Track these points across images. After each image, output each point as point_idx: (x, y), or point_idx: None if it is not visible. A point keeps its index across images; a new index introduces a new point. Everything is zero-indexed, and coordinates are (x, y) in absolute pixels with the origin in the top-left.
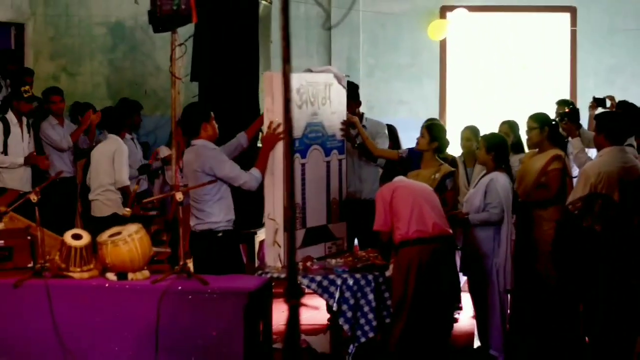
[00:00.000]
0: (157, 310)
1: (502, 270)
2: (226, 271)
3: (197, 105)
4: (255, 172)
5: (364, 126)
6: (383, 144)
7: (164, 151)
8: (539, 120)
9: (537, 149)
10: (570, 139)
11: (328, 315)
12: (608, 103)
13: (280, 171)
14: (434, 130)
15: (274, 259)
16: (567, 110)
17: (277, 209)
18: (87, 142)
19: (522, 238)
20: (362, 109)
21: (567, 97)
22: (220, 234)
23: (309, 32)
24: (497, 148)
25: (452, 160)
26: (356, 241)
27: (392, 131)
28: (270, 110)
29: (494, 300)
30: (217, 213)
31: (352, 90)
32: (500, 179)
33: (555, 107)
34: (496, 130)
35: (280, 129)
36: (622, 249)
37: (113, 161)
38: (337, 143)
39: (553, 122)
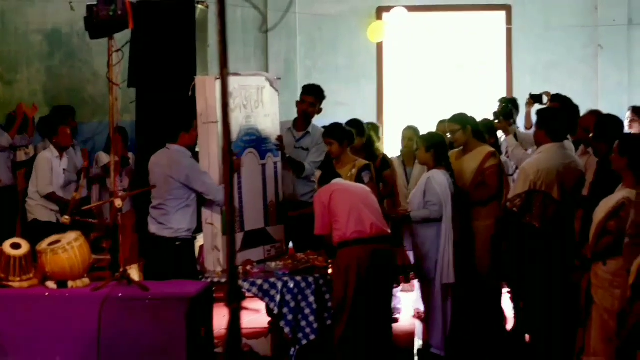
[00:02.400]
0: (98, 317)
1: (446, 266)
2: (180, 278)
3: (183, 113)
4: (221, 191)
5: (308, 132)
6: (316, 156)
7: (102, 158)
8: (460, 121)
9: (457, 150)
10: (504, 137)
11: (269, 319)
12: (545, 99)
13: (216, 175)
14: (337, 134)
15: (213, 263)
16: (499, 108)
17: (215, 214)
18: (26, 139)
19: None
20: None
21: (504, 94)
22: (178, 243)
23: (246, 35)
24: (435, 146)
25: (382, 158)
26: (291, 244)
27: (360, 125)
28: (204, 114)
29: (436, 298)
30: (181, 220)
31: (359, 126)
32: (437, 176)
33: (497, 104)
34: (434, 130)
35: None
36: (560, 246)
37: (37, 171)
38: (272, 146)
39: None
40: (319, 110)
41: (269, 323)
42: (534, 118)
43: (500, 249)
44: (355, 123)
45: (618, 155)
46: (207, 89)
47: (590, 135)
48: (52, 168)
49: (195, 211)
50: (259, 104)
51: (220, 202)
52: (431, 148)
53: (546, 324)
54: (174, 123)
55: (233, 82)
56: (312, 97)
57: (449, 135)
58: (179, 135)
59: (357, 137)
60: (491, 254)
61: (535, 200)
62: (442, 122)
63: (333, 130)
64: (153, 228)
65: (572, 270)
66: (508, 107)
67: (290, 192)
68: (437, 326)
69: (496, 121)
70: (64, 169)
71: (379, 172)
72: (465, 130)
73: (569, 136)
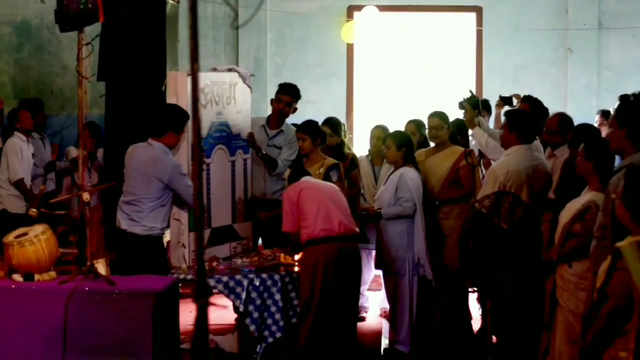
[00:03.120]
0: (64, 311)
1: (416, 261)
2: (152, 273)
3: (173, 110)
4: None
5: (281, 130)
6: (289, 154)
7: (72, 152)
8: (445, 119)
9: (426, 149)
10: (470, 131)
11: (236, 315)
12: (515, 101)
13: (185, 171)
14: (311, 131)
15: (179, 259)
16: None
17: (182, 210)
18: None
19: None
20: (268, 109)
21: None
22: (153, 237)
23: (217, 31)
24: (406, 145)
25: (351, 158)
26: (260, 240)
27: (337, 124)
28: None
29: (404, 296)
30: (155, 219)
31: (335, 125)
32: (409, 173)
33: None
34: (402, 129)
35: None
36: (528, 248)
37: (7, 157)
38: (242, 142)
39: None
40: (294, 110)
41: (236, 320)
42: (503, 119)
43: (468, 249)
44: (332, 122)
45: (583, 159)
46: (178, 84)
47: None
48: (21, 153)
49: (169, 210)
50: (231, 100)
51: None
52: (402, 147)
53: (512, 325)
54: (158, 118)
55: (205, 77)
56: (289, 96)
57: (426, 132)
58: (164, 132)
59: (332, 135)
60: (459, 253)
61: (504, 202)
62: (410, 122)
63: (307, 127)
64: (124, 224)
65: (539, 272)
66: (475, 97)
67: (260, 190)
68: (404, 322)
69: (462, 110)
70: (32, 154)
71: (347, 172)
72: (448, 130)
73: (537, 137)
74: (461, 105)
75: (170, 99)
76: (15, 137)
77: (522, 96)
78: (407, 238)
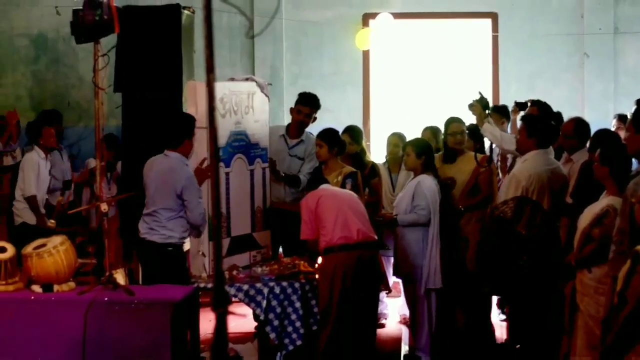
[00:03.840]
0: (84, 321)
1: (432, 271)
2: (174, 282)
3: (185, 118)
4: (202, 207)
5: (302, 140)
6: (310, 167)
7: (91, 163)
8: (465, 125)
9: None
10: (481, 128)
11: (255, 323)
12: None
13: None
14: (330, 138)
15: (199, 268)
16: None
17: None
18: (11, 145)
19: (448, 239)
20: (286, 118)
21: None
22: (170, 248)
23: (232, 41)
24: (426, 152)
25: (371, 166)
26: (281, 249)
27: (357, 132)
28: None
29: (422, 302)
30: (173, 228)
31: (356, 133)
32: (427, 181)
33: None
34: (419, 136)
35: (207, 163)
36: (545, 253)
37: (23, 172)
38: (261, 151)
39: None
40: (314, 119)
41: (256, 328)
42: (519, 125)
43: (485, 254)
44: (352, 130)
45: (599, 165)
46: (197, 93)
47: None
48: (38, 170)
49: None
50: (249, 110)
51: (196, 223)
52: (422, 154)
53: (532, 330)
54: (173, 129)
55: (224, 87)
56: (309, 107)
57: (450, 134)
58: (182, 142)
59: (352, 143)
60: (476, 258)
61: (525, 208)
62: (426, 129)
63: (325, 134)
64: (143, 232)
65: (558, 277)
66: (484, 98)
67: (280, 196)
68: (422, 329)
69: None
70: (49, 170)
71: (367, 180)
72: (468, 136)
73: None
74: (471, 106)
75: (190, 109)
76: (34, 153)
77: (531, 100)
78: (423, 245)
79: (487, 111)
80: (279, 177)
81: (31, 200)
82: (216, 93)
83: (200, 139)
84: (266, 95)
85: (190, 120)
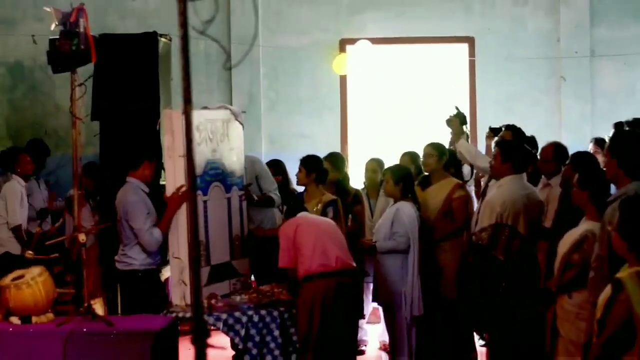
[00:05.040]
0: (62, 352)
1: (410, 298)
2: (149, 310)
3: (148, 141)
4: (156, 232)
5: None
6: (269, 184)
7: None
8: (438, 149)
9: (418, 185)
10: (457, 143)
11: (233, 352)
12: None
13: (183, 210)
14: (308, 163)
15: (180, 297)
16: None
17: (182, 248)
18: None
19: (427, 266)
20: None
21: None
22: (140, 274)
23: (209, 67)
24: (404, 179)
25: (354, 194)
26: (252, 277)
27: (279, 166)
28: (170, 148)
29: (401, 329)
30: (133, 254)
31: (337, 160)
32: (405, 208)
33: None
34: (397, 162)
35: (184, 189)
36: (524, 278)
37: (6, 202)
38: (237, 179)
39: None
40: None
41: (233, 357)
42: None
43: (464, 281)
44: (333, 157)
45: (579, 189)
46: (173, 122)
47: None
48: (21, 198)
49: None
50: (225, 138)
51: (149, 248)
52: (400, 181)
53: (512, 356)
54: (134, 151)
55: (200, 115)
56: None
57: (422, 159)
58: (140, 164)
59: (334, 170)
60: (457, 286)
61: (501, 234)
62: (405, 154)
63: (305, 159)
64: (117, 263)
65: (536, 301)
66: (461, 113)
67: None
68: (402, 355)
69: (450, 122)
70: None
71: (349, 207)
72: (440, 160)
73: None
74: (449, 122)
75: (166, 137)
76: (14, 181)
77: (505, 125)
78: (403, 272)
79: (464, 126)
80: (253, 202)
81: (17, 230)
82: (193, 122)
83: (178, 167)
84: (240, 123)
85: (153, 144)
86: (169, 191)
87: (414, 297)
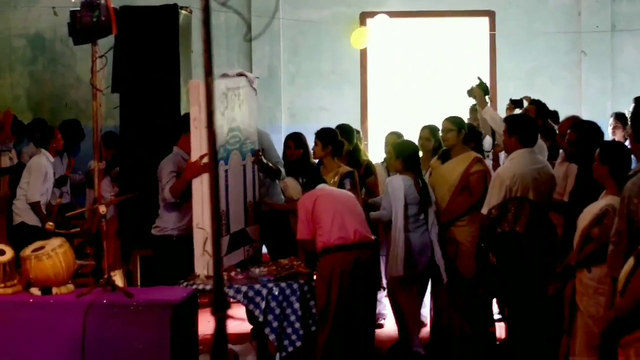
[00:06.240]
0: (82, 324)
1: (394, 258)
2: (180, 276)
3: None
4: (165, 191)
5: None
6: (276, 156)
7: (92, 164)
8: (456, 123)
9: (438, 158)
10: (482, 110)
11: (251, 326)
12: (525, 104)
13: (207, 180)
14: (324, 136)
15: (202, 267)
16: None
17: (206, 218)
18: (7, 145)
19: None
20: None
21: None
22: (174, 239)
23: (230, 40)
24: (405, 154)
25: (366, 165)
26: (265, 249)
27: (300, 139)
28: (198, 118)
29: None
30: (167, 220)
31: (347, 132)
32: (394, 180)
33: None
34: (417, 135)
35: (205, 160)
36: (544, 251)
37: (30, 175)
38: (250, 145)
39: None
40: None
41: (251, 330)
42: None
43: (483, 255)
44: (342, 128)
45: (599, 164)
46: (200, 93)
47: (567, 140)
48: (46, 174)
49: (186, 209)
50: (242, 105)
51: (166, 200)
52: (400, 156)
53: (531, 329)
54: (171, 126)
55: (220, 84)
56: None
57: (441, 133)
58: (179, 137)
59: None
60: (476, 261)
61: (510, 205)
62: (425, 128)
63: (321, 132)
64: (153, 227)
65: (553, 278)
66: (483, 83)
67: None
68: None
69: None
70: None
71: (363, 179)
72: (459, 134)
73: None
74: (470, 92)
75: (193, 108)
76: (43, 157)
77: (531, 99)
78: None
79: (486, 97)
80: (262, 164)
81: (35, 206)
82: (217, 91)
83: (204, 138)
84: (254, 89)
85: (183, 117)
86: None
87: (393, 258)
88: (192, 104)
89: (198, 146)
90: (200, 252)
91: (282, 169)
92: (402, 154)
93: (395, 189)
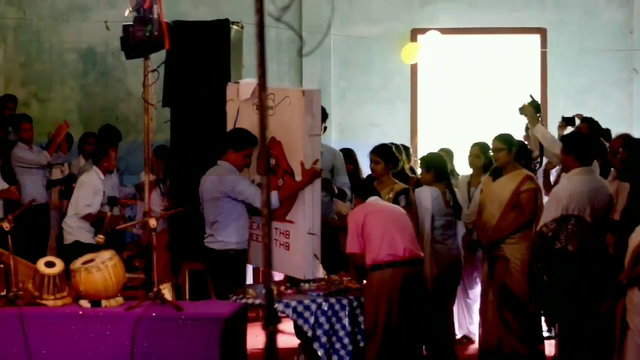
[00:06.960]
0: (131, 337)
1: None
2: (234, 288)
3: (235, 131)
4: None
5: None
6: (345, 178)
7: (142, 177)
8: (506, 142)
9: (490, 175)
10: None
11: (299, 341)
12: (577, 121)
13: (319, 186)
14: (384, 154)
15: (312, 271)
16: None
17: (316, 224)
18: (61, 157)
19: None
20: (333, 132)
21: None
22: (232, 253)
23: (280, 55)
24: (433, 166)
25: (417, 180)
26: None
27: (351, 155)
28: (310, 126)
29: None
30: (231, 234)
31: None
32: (422, 193)
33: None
34: (468, 152)
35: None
36: (596, 269)
37: (80, 192)
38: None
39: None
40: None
41: (299, 345)
42: None
43: (534, 273)
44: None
45: None
46: (314, 104)
47: (618, 158)
48: (95, 191)
49: (245, 224)
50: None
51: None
52: (430, 168)
53: (581, 349)
54: (221, 140)
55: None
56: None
57: (491, 153)
58: (226, 152)
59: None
60: (528, 279)
61: (566, 225)
62: (475, 145)
63: (382, 150)
64: (206, 241)
65: (605, 297)
66: (535, 101)
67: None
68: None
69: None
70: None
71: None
72: (509, 152)
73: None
74: (522, 110)
75: (306, 117)
76: (94, 174)
77: (583, 116)
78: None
79: (538, 115)
80: (333, 193)
81: (87, 218)
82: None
83: (316, 145)
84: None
85: (237, 132)
86: (307, 166)
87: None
88: (306, 112)
89: (310, 152)
90: (310, 257)
91: (349, 192)
92: (432, 165)
93: (424, 200)
